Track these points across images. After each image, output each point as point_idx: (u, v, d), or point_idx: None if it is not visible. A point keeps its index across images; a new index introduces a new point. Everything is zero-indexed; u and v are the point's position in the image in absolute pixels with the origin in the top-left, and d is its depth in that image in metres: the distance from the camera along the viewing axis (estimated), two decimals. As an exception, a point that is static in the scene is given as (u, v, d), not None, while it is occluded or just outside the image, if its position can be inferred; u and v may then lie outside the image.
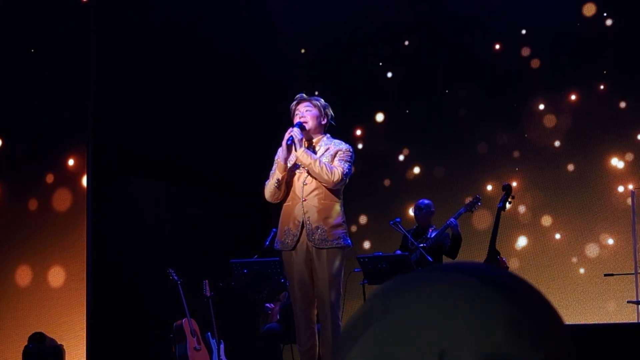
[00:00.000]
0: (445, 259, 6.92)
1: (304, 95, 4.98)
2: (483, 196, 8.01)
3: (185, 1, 8.37)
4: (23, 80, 7.78)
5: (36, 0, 7.79)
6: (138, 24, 7.93)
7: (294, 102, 4.98)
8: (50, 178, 7.74)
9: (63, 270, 7.49)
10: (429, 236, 7.01)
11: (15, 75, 7.78)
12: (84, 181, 7.58)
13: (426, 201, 7.27)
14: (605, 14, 8.26)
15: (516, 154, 8.56)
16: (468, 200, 7.18)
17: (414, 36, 8.99)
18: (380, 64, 9.21)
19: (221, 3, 8.50)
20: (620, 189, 8.03)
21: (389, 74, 9.20)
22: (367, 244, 8.94)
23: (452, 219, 6.89)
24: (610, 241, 8.04)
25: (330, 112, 4.99)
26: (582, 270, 8.12)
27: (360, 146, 9.08)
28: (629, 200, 7.60)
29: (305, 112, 4.88)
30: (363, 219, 9.12)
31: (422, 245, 6.78)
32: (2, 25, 7.75)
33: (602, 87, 8.27)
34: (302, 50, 9.35)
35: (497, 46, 8.68)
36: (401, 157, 9.13)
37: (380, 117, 9.27)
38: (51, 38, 7.77)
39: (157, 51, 8.12)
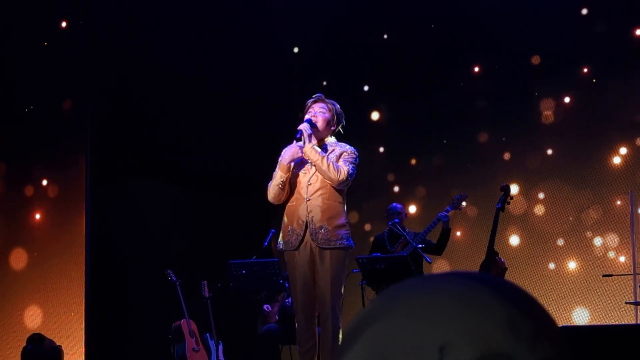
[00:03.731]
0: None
1: (323, 95, 4.99)
2: (481, 195, 8.00)
3: (184, 2, 8.38)
4: (23, 80, 7.79)
5: (36, 1, 7.80)
6: (137, 25, 7.94)
7: (311, 100, 4.99)
8: (50, 178, 7.74)
9: (62, 270, 7.49)
10: (408, 238, 6.94)
11: (16, 75, 7.79)
12: (84, 181, 7.58)
13: (400, 205, 7.34)
14: (605, 14, 8.26)
15: (515, 153, 8.55)
16: (458, 193, 7.17)
17: (412, 34, 8.99)
18: (378, 61, 9.21)
19: (220, 4, 8.51)
20: (619, 189, 8.03)
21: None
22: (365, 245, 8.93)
23: (443, 213, 6.91)
24: (609, 242, 8.04)
25: (342, 120, 5.02)
26: (580, 271, 8.12)
27: (355, 145, 9.06)
28: (628, 201, 7.60)
29: (318, 113, 4.91)
30: (359, 221, 9.13)
31: (421, 245, 6.78)
32: (2, 25, 7.76)
33: (601, 85, 8.26)
34: (295, 49, 9.34)
35: (495, 44, 8.68)
36: (398, 157, 9.13)
37: (375, 115, 9.28)
38: (52, 38, 7.78)
39: (157, 51, 8.13)
